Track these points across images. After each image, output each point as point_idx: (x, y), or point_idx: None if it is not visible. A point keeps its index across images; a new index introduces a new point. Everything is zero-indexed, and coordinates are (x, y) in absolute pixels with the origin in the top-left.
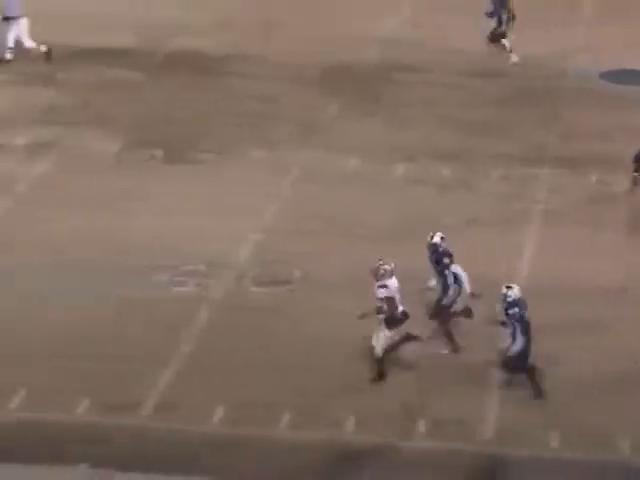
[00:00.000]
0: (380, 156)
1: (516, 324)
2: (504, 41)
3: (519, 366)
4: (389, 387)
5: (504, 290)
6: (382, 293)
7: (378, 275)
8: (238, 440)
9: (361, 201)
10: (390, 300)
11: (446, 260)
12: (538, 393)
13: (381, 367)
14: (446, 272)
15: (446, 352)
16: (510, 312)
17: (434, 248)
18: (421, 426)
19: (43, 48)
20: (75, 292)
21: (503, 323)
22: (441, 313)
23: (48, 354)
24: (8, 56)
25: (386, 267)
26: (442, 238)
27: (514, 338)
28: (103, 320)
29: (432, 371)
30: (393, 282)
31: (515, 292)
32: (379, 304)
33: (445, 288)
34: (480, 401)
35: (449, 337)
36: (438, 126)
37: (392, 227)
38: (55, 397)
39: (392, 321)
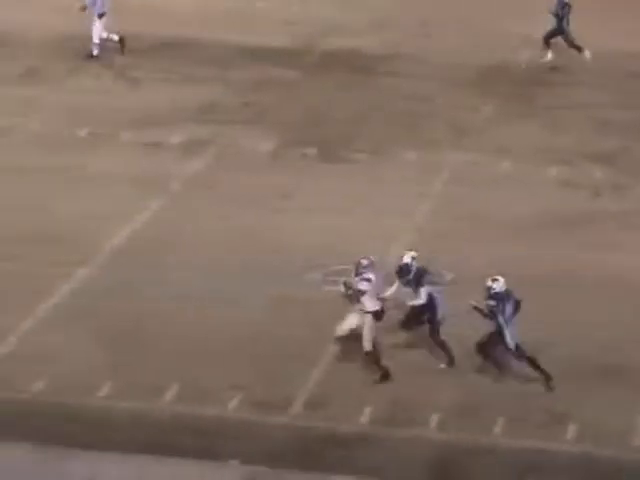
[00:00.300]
0: (533, 158)
1: (500, 316)
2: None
3: (524, 353)
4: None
5: (488, 283)
6: (364, 286)
7: (360, 268)
8: (386, 439)
9: (512, 203)
10: (359, 292)
11: (425, 277)
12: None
13: (380, 363)
14: (421, 289)
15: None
16: (489, 304)
17: (406, 269)
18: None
19: (95, 51)
20: (228, 291)
21: (486, 315)
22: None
23: (202, 352)
24: (95, 52)
25: (367, 260)
26: (413, 258)
27: (503, 331)
28: (255, 319)
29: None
30: (373, 276)
31: (500, 284)
32: (354, 294)
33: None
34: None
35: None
36: (593, 128)
37: (543, 229)
38: (207, 393)
39: (379, 315)
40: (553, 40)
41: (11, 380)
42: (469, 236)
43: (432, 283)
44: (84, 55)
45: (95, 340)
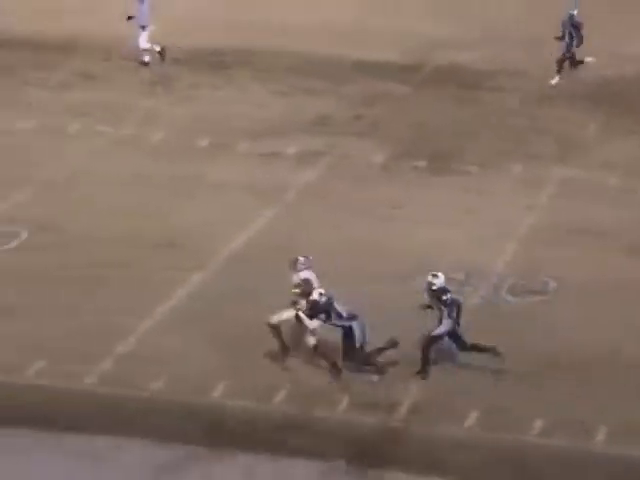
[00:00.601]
0: (637, 172)
1: (444, 308)
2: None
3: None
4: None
5: (429, 278)
6: (299, 276)
7: (296, 265)
8: (486, 444)
9: (617, 216)
10: (306, 281)
11: (322, 317)
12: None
13: (281, 340)
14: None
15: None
16: (443, 298)
17: (313, 304)
18: None
19: (157, 48)
20: (340, 300)
21: (429, 307)
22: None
23: (311, 356)
24: (147, 59)
25: (304, 259)
26: (321, 294)
27: (440, 321)
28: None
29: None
30: (310, 273)
31: (440, 280)
32: (297, 284)
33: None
34: None
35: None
36: None
37: None
38: (317, 395)
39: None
40: (587, 59)
41: (131, 379)
42: (573, 248)
43: (533, 292)
44: (137, 63)
45: (210, 343)
